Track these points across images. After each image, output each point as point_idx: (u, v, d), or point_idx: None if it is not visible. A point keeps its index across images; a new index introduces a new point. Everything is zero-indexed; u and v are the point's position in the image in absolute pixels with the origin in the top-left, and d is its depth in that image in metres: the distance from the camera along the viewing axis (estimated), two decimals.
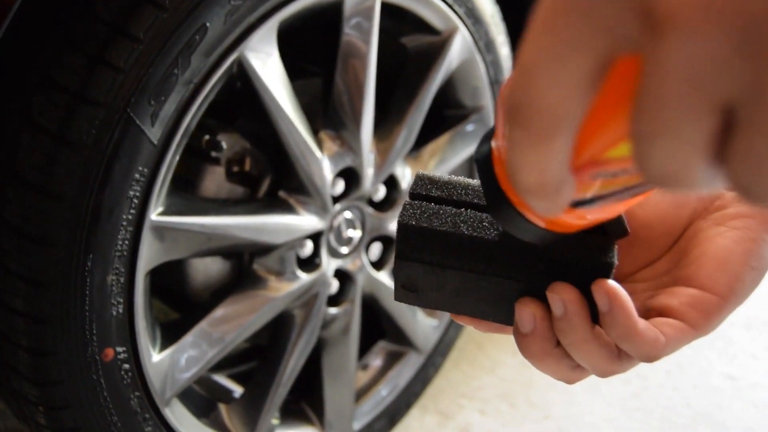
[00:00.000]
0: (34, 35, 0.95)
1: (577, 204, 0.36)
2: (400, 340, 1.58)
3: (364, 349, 1.57)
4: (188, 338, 1.16)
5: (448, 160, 1.50)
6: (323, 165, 1.23)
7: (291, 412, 1.46)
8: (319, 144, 1.23)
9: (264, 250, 1.23)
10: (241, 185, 1.26)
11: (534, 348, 0.46)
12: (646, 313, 0.47)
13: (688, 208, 0.51)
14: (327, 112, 1.28)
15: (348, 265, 1.38)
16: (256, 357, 1.51)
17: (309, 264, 1.31)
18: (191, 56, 0.98)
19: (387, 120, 1.37)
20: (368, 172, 1.32)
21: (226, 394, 1.42)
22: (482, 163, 0.40)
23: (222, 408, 1.31)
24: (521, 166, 0.31)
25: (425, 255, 0.47)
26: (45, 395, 1.02)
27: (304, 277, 1.28)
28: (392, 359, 1.60)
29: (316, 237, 1.30)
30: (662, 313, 0.47)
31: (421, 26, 1.36)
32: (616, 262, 0.45)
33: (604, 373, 0.47)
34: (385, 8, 1.24)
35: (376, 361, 1.60)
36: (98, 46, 0.92)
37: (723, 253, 0.47)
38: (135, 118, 0.95)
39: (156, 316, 1.16)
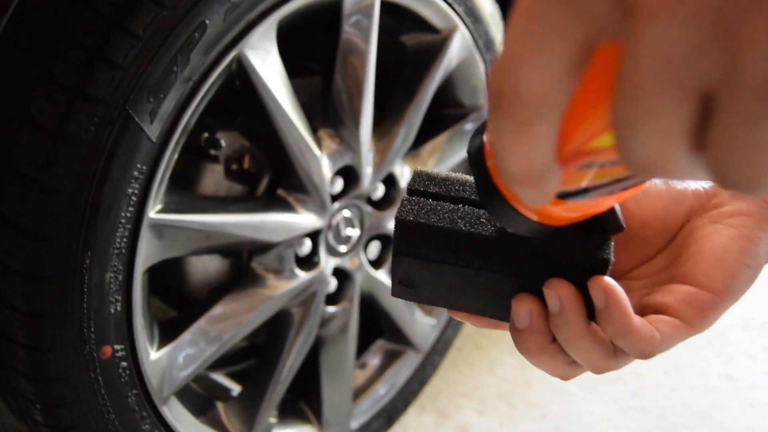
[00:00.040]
0: (34, 31, 0.95)
1: (567, 196, 0.36)
2: (398, 339, 1.58)
3: (362, 347, 1.57)
4: (186, 336, 1.16)
5: (447, 159, 1.50)
6: (322, 163, 1.23)
7: (289, 410, 1.46)
8: (318, 142, 1.23)
9: (262, 248, 1.23)
10: (240, 183, 1.26)
11: (530, 343, 0.46)
12: (642, 310, 0.47)
13: (684, 205, 0.51)
14: (326, 111, 1.28)
15: (346, 263, 1.38)
16: (254, 355, 1.51)
17: (307, 262, 1.31)
18: (190, 54, 0.98)
19: (386, 118, 1.37)
20: (367, 170, 1.32)
21: (223, 393, 1.42)
22: (474, 156, 0.40)
23: (220, 406, 1.31)
24: (505, 154, 0.31)
25: (423, 251, 0.48)
26: (42, 392, 1.02)
27: (302, 276, 1.28)
28: (390, 358, 1.60)
29: (314, 235, 1.30)
30: (658, 310, 0.47)
31: (421, 25, 1.36)
32: (612, 258, 0.45)
33: (599, 370, 0.47)
34: (385, 6, 1.24)
35: (374, 360, 1.60)
36: (97, 42, 0.92)
37: (719, 251, 0.47)
38: (134, 115, 0.95)
39: (154, 314, 1.16)
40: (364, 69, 1.25)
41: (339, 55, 1.23)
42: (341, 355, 1.43)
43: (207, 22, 0.98)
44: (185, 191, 1.20)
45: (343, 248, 1.35)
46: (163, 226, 1.05)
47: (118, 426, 1.08)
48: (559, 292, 0.44)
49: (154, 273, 1.11)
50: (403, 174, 1.41)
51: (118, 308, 1.03)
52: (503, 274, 0.47)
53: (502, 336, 1.93)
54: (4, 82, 0.96)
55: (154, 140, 0.98)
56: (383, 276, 1.45)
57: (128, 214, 0.99)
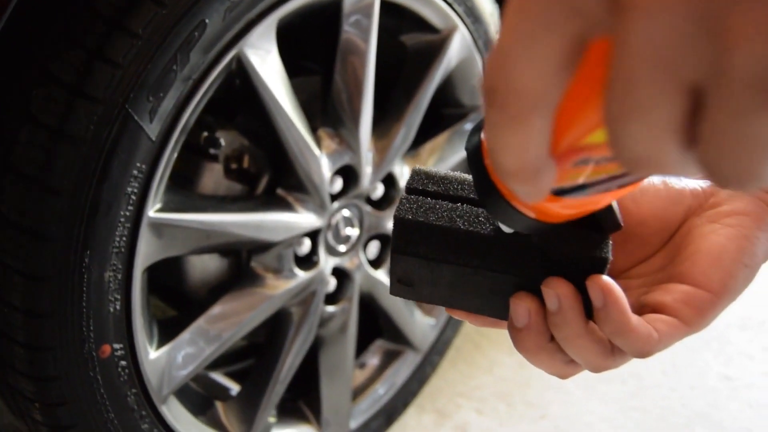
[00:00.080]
0: (34, 30, 0.95)
1: (563, 192, 0.36)
2: (398, 338, 1.58)
3: (362, 347, 1.57)
4: (185, 335, 1.16)
5: (447, 158, 1.50)
6: (321, 163, 1.23)
7: (288, 410, 1.46)
8: (318, 142, 1.23)
9: (262, 247, 1.23)
10: (240, 182, 1.26)
11: (528, 342, 0.47)
12: (640, 309, 0.48)
13: (682, 205, 0.51)
14: (326, 110, 1.28)
15: (346, 263, 1.38)
16: (253, 355, 1.51)
17: (307, 262, 1.31)
18: (190, 53, 0.98)
19: (386, 118, 1.37)
20: (367, 170, 1.32)
21: (223, 392, 1.42)
22: (472, 153, 0.40)
23: (219, 406, 1.31)
24: (500, 149, 0.31)
25: (421, 249, 0.48)
26: (41, 391, 1.02)
27: (301, 275, 1.28)
28: (389, 358, 1.60)
29: (314, 235, 1.30)
30: (656, 309, 0.47)
31: (421, 24, 1.36)
32: (610, 257, 0.46)
33: (597, 368, 0.47)
34: (385, 6, 1.24)
35: (373, 360, 1.60)
36: (97, 41, 0.92)
37: (717, 250, 0.47)
38: (133, 114, 0.95)
39: (153, 313, 1.16)
40: (363, 69, 1.25)
41: (339, 54, 1.23)
42: (340, 355, 1.43)
43: (207, 21, 0.98)
44: (185, 190, 1.20)
45: (342, 248, 1.35)
46: (162, 225, 1.05)
47: (117, 425, 1.08)
48: (557, 291, 0.45)
49: (153, 272, 1.11)
50: (403, 174, 1.41)
51: (118, 307, 1.03)
52: (502, 272, 0.47)
53: (502, 336, 1.93)
54: (4, 81, 0.96)
55: (153, 139, 0.98)
56: (382, 276, 1.45)
57: (128, 213, 0.99)
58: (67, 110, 0.92)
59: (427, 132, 1.47)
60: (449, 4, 1.34)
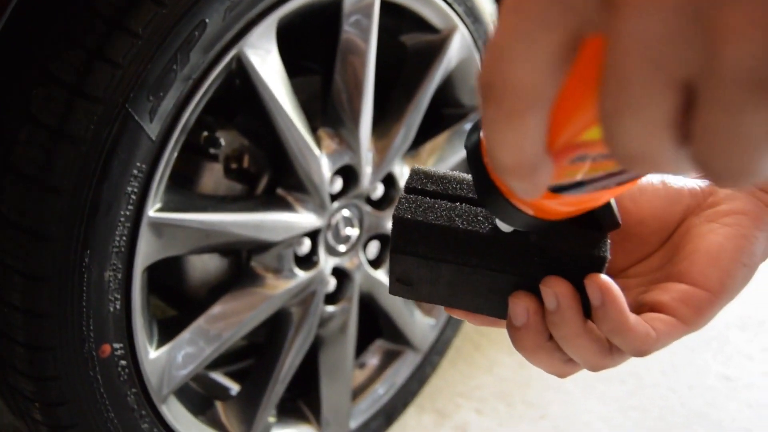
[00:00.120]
0: (34, 30, 0.95)
1: (561, 189, 0.36)
2: (398, 338, 1.58)
3: (361, 347, 1.57)
4: (185, 335, 1.16)
5: (447, 158, 1.50)
6: (321, 163, 1.23)
7: (288, 410, 1.46)
8: (318, 142, 1.24)
9: (262, 247, 1.23)
10: (240, 182, 1.26)
11: (527, 341, 0.47)
12: (638, 308, 0.48)
13: (681, 204, 0.51)
14: (326, 110, 1.28)
15: (346, 263, 1.38)
16: (253, 355, 1.51)
17: (307, 262, 1.31)
18: (190, 52, 0.98)
19: (386, 118, 1.37)
20: (366, 170, 1.32)
21: (222, 392, 1.42)
22: (471, 151, 0.40)
23: (219, 405, 1.32)
24: (496, 145, 0.31)
25: (420, 248, 0.48)
26: (41, 391, 1.02)
27: (301, 275, 1.28)
28: (389, 358, 1.61)
29: (314, 235, 1.30)
30: (654, 308, 0.47)
31: (421, 25, 1.36)
32: (608, 256, 0.46)
33: (595, 367, 0.47)
34: (385, 6, 1.25)
35: (373, 360, 1.61)
36: (97, 41, 0.92)
37: (715, 250, 0.47)
38: (133, 113, 0.95)
39: (153, 313, 1.16)
40: (363, 69, 1.25)
41: (339, 54, 1.23)
42: (340, 355, 1.43)
43: (207, 20, 0.99)
44: (185, 190, 1.20)
45: (342, 248, 1.35)
46: (162, 224, 1.05)
47: (117, 424, 1.09)
48: (555, 290, 0.45)
49: (153, 272, 1.12)
50: (403, 174, 1.41)
51: (118, 307, 1.03)
52: (500, 271, 0.47)
53: (501, 336, 1.92)
54: (4, 81, 0.96)
55: (153, 139, 0.98)
56: (382, 276, 1.45)
57: (128, 213, 0.99)
58: (67, 110, 0.92)
59: (427, 132, 1.47)
60: (449, 4, 1.35)
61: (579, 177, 0.35)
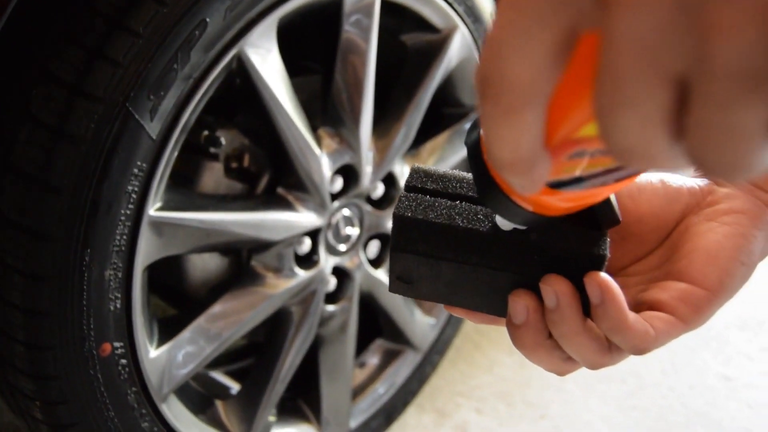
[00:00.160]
0: (34, 29, 0.95)
1: (559, 185, 0.36)
2: (398, 338, 1.58)
3: (362, 347, 1.58)
4: (186, 334, 1.16)
5: (447, 158, 1.50)
6: (322, 162, 1.23)
7: (288, 409, 1.46)
8: (318, 141, 1.24)
9: (262, 246, 1.23)
10: (240, 181, 1.26)
11: (526, 339, 0.47)
12: (637, 306, 0.48)
13: (680, 203, 0.51)
14: (326, 110, 1.28)
15: (346, 262, 1.38)
16: (254, 354, 1.51)
17: (307, 261, 1.31)
18: (191, 51, 0.98)
19: (386, 118, 1.37)
20: (367, 169, 1.32)
21: (223, 391, 1.42)
22: (471, 148, 0.41)
23: (219, 404, 1.32)
24: (494, 140, 0.31)
25: (420, 246, 0.48)
26: (42, 390, 1.03)
27: (301, 274, 1.29)
28: (389, 357, 1.61)
29: (314, 234, 1.30)
30: (653, 306, 0.47)
31: (421, 24, 1.36)
32: (608, 254, 0.46)
33: (594, 365, 0.47)
34: (385, 6, 1.25)
35: (373, 359, 1.61)
36: (98, 40, 0.92)
37: (713, 248, 0.47)
38: (134, 112, 0.95)
39: (153, 312, 1.16)
40: (364, 68, 1.25)
41: (339, 54, 1.23)
42: (340, 354, 1.44)
43: (207, 20, 0.99)
44: (185, 189, 1.21)
45: (342, 247, 1.36)
46: (162, 223, 1.05)
47: (117, 423, 1.09)
48: (555, 288, 0.45)
49: (153, 271, 1.12)
50: (403, 173, 1.41)
51: (118, 306, 1.03)
52: (500, 270, 0.47)
53: (502, 336, 1.93)
54: (4, 80, 0.96)
55: (154, 138, 0.98)
56: (383, 275, 1.45)
57: (128, 212, 0.99)
58: (68, 109, 0.92)
59: (427, 131, 1.47)
60: (449, 4, 1.35)
61: (577, 173, 0.35)
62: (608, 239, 0.47)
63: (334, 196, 1.30)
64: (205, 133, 1.23)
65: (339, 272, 1.39)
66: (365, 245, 1.41)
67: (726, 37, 0.23)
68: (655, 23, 0.24)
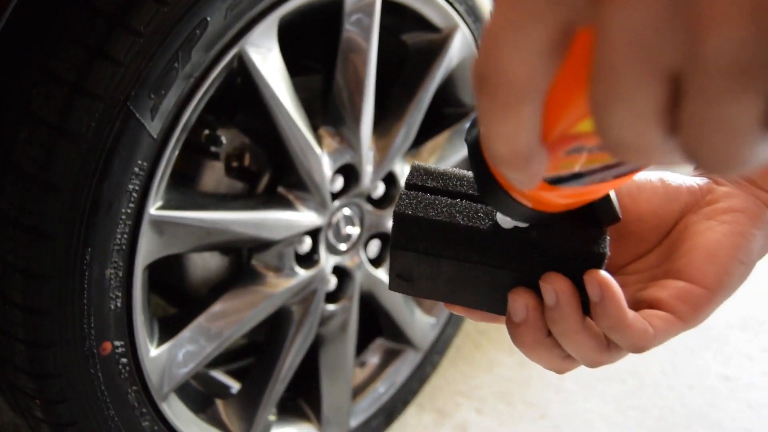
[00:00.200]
0: (35, 28, 0.95)
1: (558, 181, 0.36)
2: (398, 337, 1.58)
3: (362, 346, 1.58)
4: (186, 333, 1.17)
5: (448, 158, 1.50)
6: (322, 161, 1.24)
7: (288, 408, 1.46)
8: (319, 140, 1.24)
9: (262, 245, 1.23)
10: (240, 180, 1.26)
11: (526, 337, 0.47)
12: (636, 305, 0.48)
13: (679, 202, 0.51)
14: (327, 109, 1.28)
15: (346, 261, 1.38)
16: (254, 353, 1.51)
17: (307, 260, 1.31)
18: (192, 50, 0.98)
19: (387, 117, 1.38)
20: (367, 169, 1.32)
21: (223, 390, 1.42)
22: (471, 144, 0.41)
23: (219, 403, 1.32)
24: (491, 136, 0.32)
25: (420, 244, 0.48)
26: (42, 388, 1.03)
27: (302, 274, 1.29)
28: (390, 357, 1.61)
29: (314, 233, 1.30)
30: (652, 305, 0.47)
31: (422, 23, 1.36)
32: (608, 252, 0.46)
33: (593, 363, 0.47)
34: (386, 5, 1.25)
35: (373, 359, 1.61)
36: (98, 39, 0.93)
37: (712, 247, 0.48)
38: (135, 111, 0.95)
39: (154, 311, 1.16)
40: (365, 67, 1.25)
41: (340, 53, 1.23)
42: (341, 354, 1.44)
43: (208, 18, 0.99)
44: (186, 188, 1.21)
45: (343, 246, 1.36)
46: (163, 222, 1.05)
47: (117, 422, 1.09)
48: (555, 286, 0.45)
49: (154, 270, 1.12)
50: (404, 173, 1.42)
51: (119, 304, 1.03)
52: (500, 268, 0.47)
53: (502, 336, 1.93)
54: (4, 79, 0.96)
55: (155, 137, 0.98)
56: (383, 274, 1.45)
57: (129, 211, 0.99)
58: (68, 108, 0.92)
59: (428, 131, 1.47)
60: (450, 3, 1.35)
61: (576, 169, 0.35)
62: (608, 237, 0.47)
63: (335, 196, 1.30)
64: (206, 132, 1.23)
65: (339, 271, 1.39)
66: (366, 245, 1.41)
67: (716, 32, 0.24)
68: (648, 19, 0.25)
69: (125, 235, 1.00)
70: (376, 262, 1.45)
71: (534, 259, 0.47)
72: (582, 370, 0.50)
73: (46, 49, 0.94)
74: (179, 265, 1.28)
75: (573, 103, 0.31)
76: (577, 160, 0.34)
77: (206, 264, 1.30)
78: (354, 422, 1.53)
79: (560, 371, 0.50)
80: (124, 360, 1.06)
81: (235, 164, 1.26)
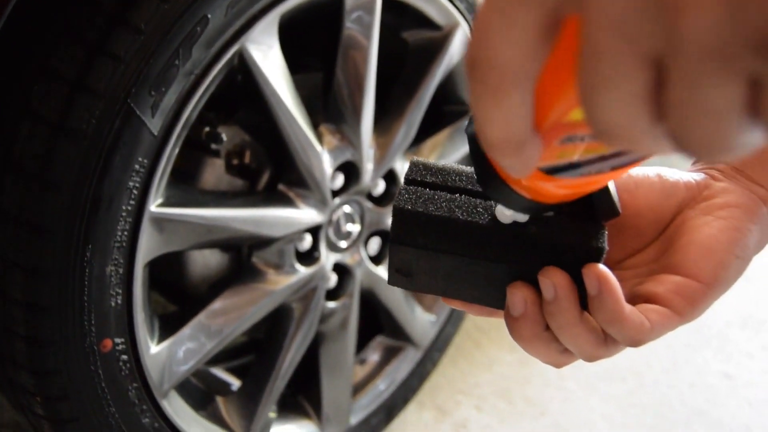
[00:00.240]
0: (35, 24, 0.95)
1: (555, 171, 0.37)
2: (398, 335, 1.58)
3: (362, 343, 1.58)
4: (186, 330, 1.17)
5: (448, 155, 1.50)
6: (323, 159, 1.24)
7: (288, 405, 1.46)
8: (319, 138, 1.24)
9: (263, 243, 1.24)
10: (241, 178, 1.26)
11: (524, 331, 0.47)
12: (634, 299, 0.48)
13: (676, 197, 0.52)
14: (327, 106, 1.28)
15: (347, 259, 1.39)
16: (254, 350, 1.51)
17: (308, 258, 1.31)
18: (192, 47, 0.98)
19: (387, 115, 1.38)
20: (368, 166, 1.32)
21: (223, 387, 1.42)
22: (471, 136, 0.41)
23: (219, 401, 1.32)
24: (483, 121, 0.32)
25: (420, 239, 0.48)
26: (42, 385, 1.03)
27: (302, 271, 1.29)
28: (390, 354, 1.61)
29: (315, 231, 1.30)
30: (649, 299, 0.48)
31: (423, 21, 1.36)
32: (606, 246, 0.46)
33: (590, 357, 0.48)
34: (387, 3, 1.25)
35: (373, 356, 1.61)
36: (99, 36, 0.93)
37: (709, 242, 0.48)
38: (135, 108, 0.95)
39: (154, 309, 1.16)
40: (365, 65, 1.26)
41: (340, 50, 1.23)
42: (341, 351, 1.44)
43: (209, 16, 0.99)
44: (186, 185, 1.21)
45: (343, 244, 1.36)
46: (163, 219, 1.05)
47: (118, 419, 1.09)
48: (553, 280, 0.45)
49: (154, 267, 1.12)
50: (404, 170, 1.42)
51: (119, 301, 1.03)
52: (499, 262, 0.47)
53: (502, 334, 1.93)
54: (5, 76, 0.96)
55: (155, 134, 0.98)
56: (383, 272, 1.45)
57: (129, 208, 0.99)
58: (69, 105, 0.92)
59: (428, 129, 1.47)
60: (451, 1, 1.35)
61: (571, 159, 0.35)
62: (606, 232, 0.47)
63: (335, 193, 1.30)
64: (207, 129, 1.23)
65: (340, 269, 1.39)
66: (366, 242, 1.42)
67: (693, 15, 0.24)
68: (629, 4, 0.25)
69: (125, 233, 1.00)
70: (376, 260, 1.45)
71: (532, 254, 0.47)
72: (582, 368, 0.50)
73: (46, 46, 0.94)
74: (179, 262, 1.28)
75: (565, 91, 0.31)
76: (572, 150, 0.35)
77: (206, 261, 1.31)
78: (354, 419, 1.53)
79: (558, 365, 0.50)
80: (124, 357, 1.07)
81: (235, 161, 1.26)
